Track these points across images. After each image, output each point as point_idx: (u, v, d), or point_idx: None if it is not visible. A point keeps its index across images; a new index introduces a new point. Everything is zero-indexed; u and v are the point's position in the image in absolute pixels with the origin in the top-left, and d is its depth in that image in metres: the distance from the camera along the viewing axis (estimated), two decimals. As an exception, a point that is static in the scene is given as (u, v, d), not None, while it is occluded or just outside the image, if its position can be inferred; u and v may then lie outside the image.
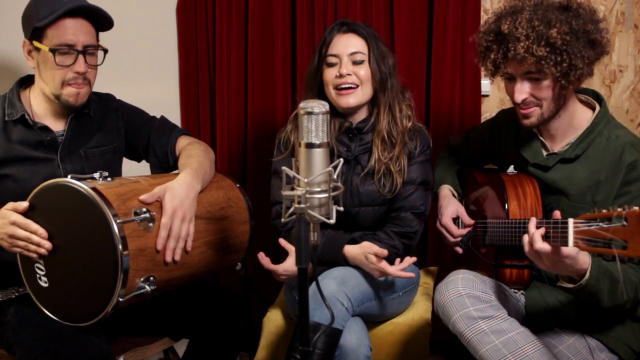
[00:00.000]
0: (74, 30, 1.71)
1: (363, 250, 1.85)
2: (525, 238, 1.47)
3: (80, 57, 1.73)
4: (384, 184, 1.93)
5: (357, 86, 1.90)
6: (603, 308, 1.59)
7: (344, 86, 1.90)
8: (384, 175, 1.93)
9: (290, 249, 1.90)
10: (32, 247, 1.56)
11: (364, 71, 1.91)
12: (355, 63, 1.91)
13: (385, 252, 1.81)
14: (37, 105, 1.81)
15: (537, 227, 1.45)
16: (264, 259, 1.88)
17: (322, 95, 1.96)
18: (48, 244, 1.56)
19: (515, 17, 1.63)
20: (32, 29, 1.70)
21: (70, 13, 1.70)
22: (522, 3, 1.68)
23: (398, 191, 1.93)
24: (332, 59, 1.92)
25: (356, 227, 1.99)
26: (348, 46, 1.91)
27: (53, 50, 1.69)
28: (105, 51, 1.80)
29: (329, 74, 1.92)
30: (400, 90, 1.98)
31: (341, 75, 1.89)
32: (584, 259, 1.46)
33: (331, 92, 1.93)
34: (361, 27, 1.95)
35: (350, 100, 1.90)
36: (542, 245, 1.41)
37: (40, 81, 1.77)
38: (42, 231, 1.55)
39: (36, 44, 1.71)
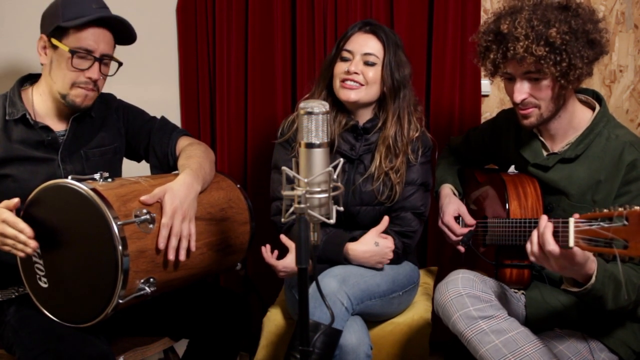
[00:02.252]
0: (96, 38, 1.73)
1: (372, 239, 1.90)
2: (534, 239, 1.45)
3: (96, 64, 1.75)
4: (383, 191, 1.94)
5: (362, 85, 1.91)
6: (605, 310, 1.58)
7: (348, 82, 1.91)
8: (383, 183, 1.94)
9: (291, 245, 1.90)
10: (20, 245, 1.54)
11: (373, 73, 1.91)
12: (366, 64, 1.91)
13: (386, 219, 1.91)
14: (41, 103, 1.81)
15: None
16: (267, 252, 1.89)
17: (331, 86, 1.98)
18: (34, 244, 1.54)
19: (515, 17, 1.63)
20: (55, 26, 1.70)
21: (98, 22, 1.72)
22: (522, 3, 1.68)
23: (397, 199, 1.94)
24: (346, 54, 1.94)
25: (356, 226, 1.99)
26: (364, 46, 1.93)
27: (72, 52, 1.70)
28: (120, 64, 1.83)
29: (339, 67, 1.94)
30: (413, 103, 1.98)
31: (349, 72, 1.90)
32: (590, 265, 1.45)
33: (337, 84, 1.94)
34: (384, 31, 1.95)
35: (351, 95, 1.91)
36: (554, 248, 1.41)
37: (49, 78, 1.77)
38: (28, 230, 1.54)
39: (55, 41, 1.72)
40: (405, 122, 1.95)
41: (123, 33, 1.81)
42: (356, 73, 1.90)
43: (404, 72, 1.94)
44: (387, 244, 1.91)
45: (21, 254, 1.57)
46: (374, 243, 1.90)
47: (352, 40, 1.95)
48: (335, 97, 1.97)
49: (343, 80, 1.92)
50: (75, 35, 1.71)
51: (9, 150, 1.74)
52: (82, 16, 1.70)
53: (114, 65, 1.83)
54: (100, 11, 1.74)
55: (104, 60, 1.77)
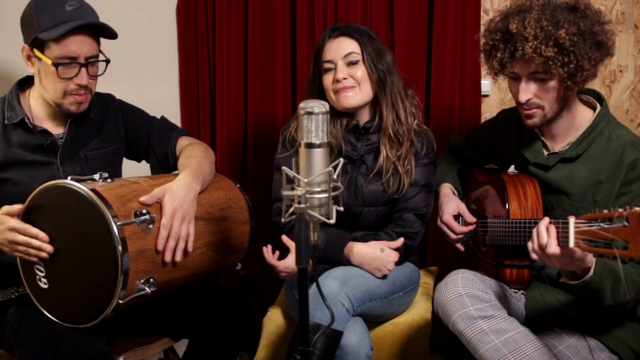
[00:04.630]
0: (78, 43, 1.69)
1: (379, 245, 1.90)
2: (535, 237, 1.45)
3: (83, 69, 1.71)
4: (392, 184, 1.93)
5: (355, 87, 1.91)
6: (604, 308, 1.59)
7: (342, 90, 1.90)
8: (392, 176, 1.93)
9: (292, 245, 1.90)
10: (33, 251, 1.55)
11: (361, 71, 1.90)
12: (350, 64, 1.90)
13: (400, 240, 1.92)
14: (37, 108, 1.80)
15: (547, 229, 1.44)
16: (268, 252, 1.89)
17: (322, 97, 1.95)
18: (49, 248, 1.55)
19: (523, 17, 1.62)
20: (34, 37, 1.67)
21: (78, 27, 1.67)
22: (530, 2, 1.67)
23: (405, 192, 1.93)
24: (327, 65, 1.92)
25: (358, 226, 1.99)
26: (340, 49, 1.91)
27: (56, 65, 1.67)
28: (107, 61, 1.79)
29: (327, 80, 1.93)
30: (402, 88, 1.98)
31: (338, 80, 1.89)
32: (590, 258, 1.46)
33: (332, 96, 1.93)
34: (352, 28, 1.93)
35: (350, 99, 1.90)
36: (555, 250, 1.41)
37: (41, 88, 1.75)
38: (42, 235, 1.55)
39: (37, 53, 1.69)
40: (400, 109, 1.94)
41: (102, 31, 1.76)
42: (345, 78, 1.89)
43: (386, 60, 1.93)
44: (392, 255, 1.90)
45: (35, 259, 1.57)
46: (380, 248, 1.90)
47: (326, 49, 1.93)
48: (331, 108, 1.96)
49: (336, 91, 1.91)
50: (56, 46, 1.67)
51: (9, 154, 1.73)
52: (58, 22, 1.65)
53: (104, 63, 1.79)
54: (75, 14, 1.68)
55: (90, 62, 1.73)
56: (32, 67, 1.75)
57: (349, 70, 1.90)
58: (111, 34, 1.76)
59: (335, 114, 1.95)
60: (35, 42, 1.68)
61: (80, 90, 1.74)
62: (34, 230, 1.55)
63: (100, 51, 1.78)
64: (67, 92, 1.73)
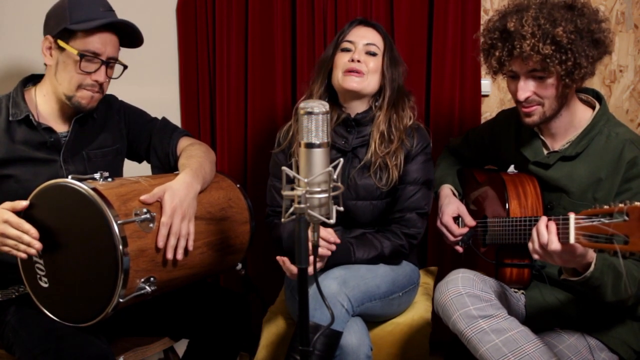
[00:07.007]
0: (104, 41, 1.74)
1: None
2: (535, 237, 1.46)
3: (103, 67, 1.76)
4: (380, 177, 1.94)
5: (364, 74, 1.92)
6: (604, 306, 1.59)
7: (353, 72, 1.91)
8: (380, 169, 1.94)
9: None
10: (22, 246, 1.55)
11: (375, 63, 1.93)
12: (368, 54, 1.94)
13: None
14: (44, 104, 1.81)
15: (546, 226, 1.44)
16: (286, 263, 1.82)
17: (329, 81, 1.99)
18: (38, 245, 1.55)
19: (521, 15, 1.64)
20: (62, 28, 1.71)
21: (107, 26, 1.73)
22: (528, 1, 1.69)
23: (394, 185, 1.94)
24: (347, 45, 1.96)
25: (354, 223, 1.98)
26: (365, 37, 1.96)
27: (81, 55, 1.71)
28: (125, 67, 1.84)
29: (341, 58, 1.95)
30: (405, 94, 2.01)
31: (352, 60, 1.91)
32: (591, 254, 1.47)
33: (338, 74, 1.94)
34: (381, 27, 2.01)
35: (354, 83, 1.91)
36: (557, 247, 1.41)
37: (54, 79, 1.77)
38: (33, 231, 1.55)
39: (62, 43, 1.72)
40: (399, 110, 1.97)
41: (130, 37, 1.82)
42: (359, 61, 1.91)
43: (399, 70, 1.98)
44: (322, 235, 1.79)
45: (23, 255, 1.56)
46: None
47: (352, 33, 1.97)
48: (331, 93, 1.97)
49: (346, 71, 1.92)
50: (84, 39, 1.71)
51: (12, 151, 1.74)
52: (90, 19, 1.71)
53: (118, 67, 1.84)
54: (107, 14, 1.75)
55: (110, 63, 1.78)
56: (50, 58, 1.76)
57: (365, 58, 1.93)
58: (137, 40, 1.83)
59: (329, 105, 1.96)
60: (63, 33, 1.71)
61: (95, 87, 1.77)
62: (27, 226, 1.55)
63: (119, 60, 1.83)
64: (82, 86, 1.75)
